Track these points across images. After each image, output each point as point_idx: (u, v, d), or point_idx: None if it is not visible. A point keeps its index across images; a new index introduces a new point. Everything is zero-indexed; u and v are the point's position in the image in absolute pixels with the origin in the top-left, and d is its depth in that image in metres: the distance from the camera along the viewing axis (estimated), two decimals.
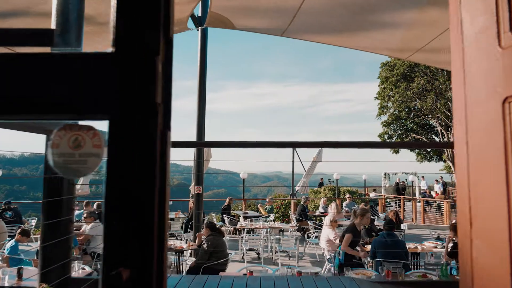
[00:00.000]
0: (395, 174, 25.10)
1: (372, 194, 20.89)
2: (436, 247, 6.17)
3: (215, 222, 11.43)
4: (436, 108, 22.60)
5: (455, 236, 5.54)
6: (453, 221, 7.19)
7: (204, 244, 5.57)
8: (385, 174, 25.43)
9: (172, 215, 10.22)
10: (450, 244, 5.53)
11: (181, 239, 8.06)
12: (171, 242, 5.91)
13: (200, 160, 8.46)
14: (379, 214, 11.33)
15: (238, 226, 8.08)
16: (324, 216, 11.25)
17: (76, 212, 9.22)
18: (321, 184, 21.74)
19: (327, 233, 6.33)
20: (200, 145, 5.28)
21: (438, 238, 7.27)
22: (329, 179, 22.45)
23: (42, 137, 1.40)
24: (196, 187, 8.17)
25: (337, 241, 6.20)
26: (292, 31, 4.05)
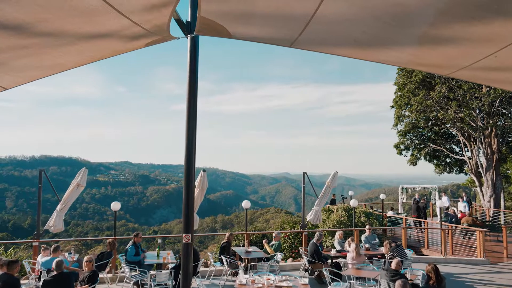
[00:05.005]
0: (414, 188, 23.24)
1: (389, 213, 19.07)
2: None
3: (212, 262, 9.82)
4: (458, 119, 20.69)
5: None
6: None
7: None
8: (402, 188, 23.58)
9: (159, 259, 8.58)
10: None
11: None
12: None
13: (189, 198, 6.84)
14: (406, 252, 9.61)
15: (236, 285, 6.44)
16: (342, 256, 9.58)
17: (43, 260, 7.60)
18: (333, 201, 19.99)
19: None
20: None
21: None
22: (341, 195, 20.75)
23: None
24: (184, 235, 6.54)
25: None
26: (304, 42, 3.42)
